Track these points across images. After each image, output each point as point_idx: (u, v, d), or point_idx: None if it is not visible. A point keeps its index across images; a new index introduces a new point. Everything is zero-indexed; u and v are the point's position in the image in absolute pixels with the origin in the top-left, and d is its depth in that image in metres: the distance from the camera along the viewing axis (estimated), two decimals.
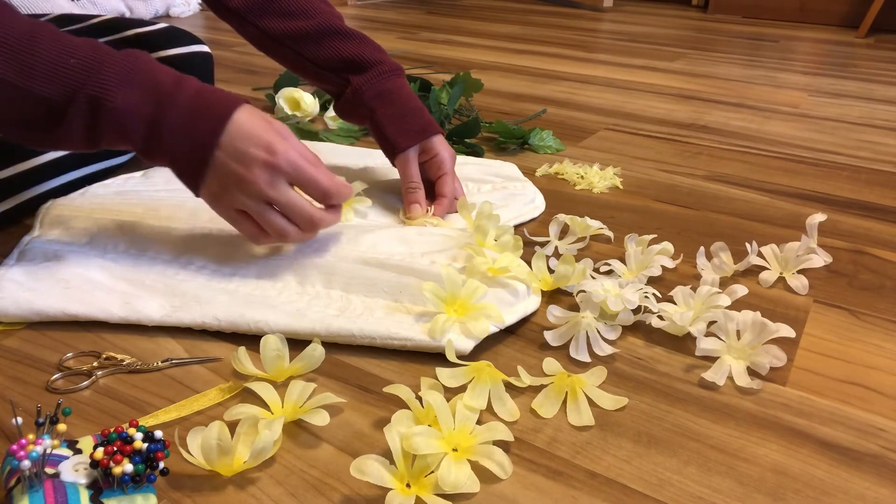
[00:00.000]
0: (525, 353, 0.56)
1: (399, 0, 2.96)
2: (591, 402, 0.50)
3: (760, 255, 0.69)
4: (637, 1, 3.15)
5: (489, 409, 0.49)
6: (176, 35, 0.89)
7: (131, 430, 0.39)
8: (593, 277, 0.63)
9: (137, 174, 0.83)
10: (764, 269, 0.69)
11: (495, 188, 0.85)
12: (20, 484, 0.36)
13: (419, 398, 0.47)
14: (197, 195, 0.58)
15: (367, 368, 0.53)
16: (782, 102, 1.40)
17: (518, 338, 0.58)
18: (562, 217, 0.73)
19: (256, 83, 1.41)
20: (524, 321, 0.60)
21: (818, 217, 0.69)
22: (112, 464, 0.37)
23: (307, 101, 1.13)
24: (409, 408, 0.47)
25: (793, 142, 1.13)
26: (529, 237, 0.74)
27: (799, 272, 0.68)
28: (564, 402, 0.50)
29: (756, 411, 0.50)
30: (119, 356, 0.52)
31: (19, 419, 0.39)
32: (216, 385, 0.50)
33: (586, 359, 0.55)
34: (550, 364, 0.53)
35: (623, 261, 0.68)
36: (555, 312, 0.58)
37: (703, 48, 2.02)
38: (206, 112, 0.55)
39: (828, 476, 0.44)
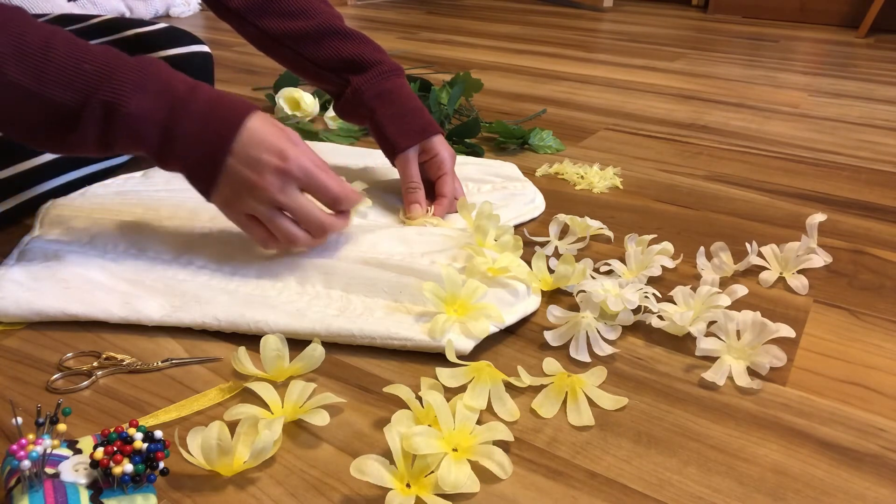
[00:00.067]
0: (525, 353, 0.56)
1: (399, 0, 2.96)
2: (591, 402, 0.50)
3: (760, 255, 0.69)
4: (637, 1, 3.15)
5: (489, 409, 0.49)
6: (176, 35, 0.89)
7: (131, 430, 0.39)
8: (593, 277, 0.63)
9: (137, 174, 0.83)
10: (764, 269, 0.69)
11: (495, 188, 0.85)
12: (20, 484, 0.36)
13: (419, 398, 0.47)
14: (208, 200, 0.59)
15: (367, 368, 0.53)
16: (782, 102, 1.40)
17: (518, 338, 0.58)
18: (562, 217, 0.73)
19: (256, 83, 1.41)
20: (524, 321, 0.60)
21: (818, 217, 0.69)
22: (112, 464, 0.37)
23: (307, 101, 1.13)
24: (409, 408, 0.47)
25: (793, 142, 1.13)
26: (529, 237, 0.74)
27: (799, 272, 0.68)
28: (564, 402, 0.50)
29: (756, 411, 0.50)
30: (119, 356, 0.52)
31: (19, 419, 0.39)
32: (216, 385, 0.50)
33: (586, 359, 0.55)
34: (550, 364, 0.53)
35: (623, 261, 0.68)
36: (555, 312, 0.58)
37: (703, 48, 2.02)
38: (218, 118, 0.56)
39: (828, 476, 0.44)
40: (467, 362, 0.51)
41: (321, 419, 0.45)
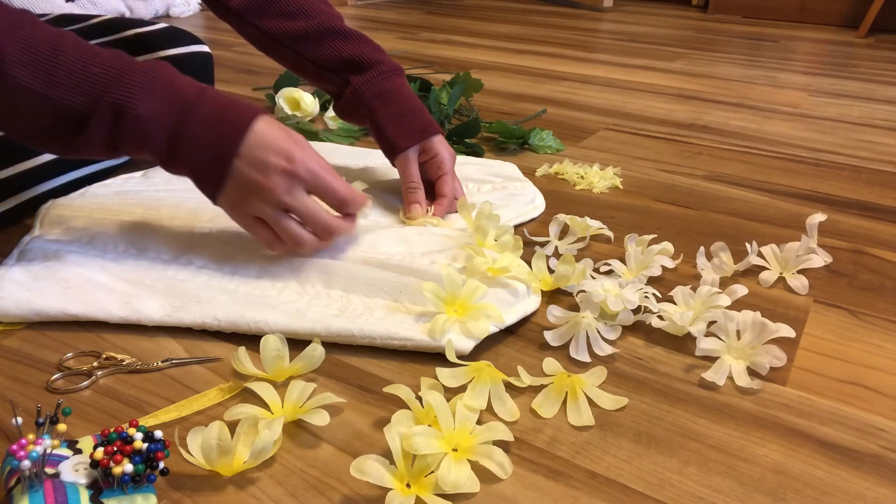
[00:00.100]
0: (525, 353, 0.56)
1: (399, 0, 2.96)
2: (591, 402, 0.50)
3: (760, 255, 0.69)
4: (637, 1, 3.15)
5: (489, 409, 0.49)
6: (176, 35, 0.89)
7: (131, 430, 0.39)
8: (593, 277, 0.63)
9: (137, 174, 0.83)
10: (764, 269, 0.69)
11: (495, 188, 0.85)
12: (20, 484, 0.36)
13: (419, 398, 0.47)
14: (215, 203, 0.59)
15: (367, 368, 0.53)
16: (782, 102, 1.40)
17: (518, 338, 0.58)
18: (562, 217, 0.73)
19: (256, 83, 1.41)
20: (524, 321, 0.60)
21: (818, 217, 0.69)
22: (112, 464, 0.37)
23: (307, 101, 1.13)
24: (409, 408, 0.47)
25: (793, 142, 1.13)
26: (529, 237, 0.74)
27: (799, 272, 0.68)
28: (564, 402, 0.50)
29: (756, 411, 0.50)
30: (119, 356, 0.52)
31: (19, 419, 0.39)
32: (216, 385, 0.50)
33: (586, 359, 0.55)
34: (550, 364, 0.53)
35: (623, 261, 0.68)
36: (555, 312, 0.58)
37: (703, 48, 2.02)
38: (226, 122, 0.56)
39: (828, 476, 0.44)
40: (467, 362, 0.51)
41: (321, 419, 0.45)
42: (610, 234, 0.75)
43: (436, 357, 0.54)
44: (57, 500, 0.36)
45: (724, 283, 0.65)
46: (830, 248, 0.74)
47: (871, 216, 0.85)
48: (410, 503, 0.39)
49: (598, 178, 0.91)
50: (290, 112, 1.13)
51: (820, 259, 0.70)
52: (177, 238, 0.67)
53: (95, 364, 0.52)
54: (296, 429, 0.47)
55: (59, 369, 0.51)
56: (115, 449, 0.38)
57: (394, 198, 0.80)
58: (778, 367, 0.54)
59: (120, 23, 0.88)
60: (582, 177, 0.92)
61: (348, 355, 0.54)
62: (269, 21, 0.76)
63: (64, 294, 0.57)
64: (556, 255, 0.69)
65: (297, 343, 0.54)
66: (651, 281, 0.66)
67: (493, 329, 0.56)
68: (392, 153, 0.76)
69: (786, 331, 0.55)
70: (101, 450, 0.37)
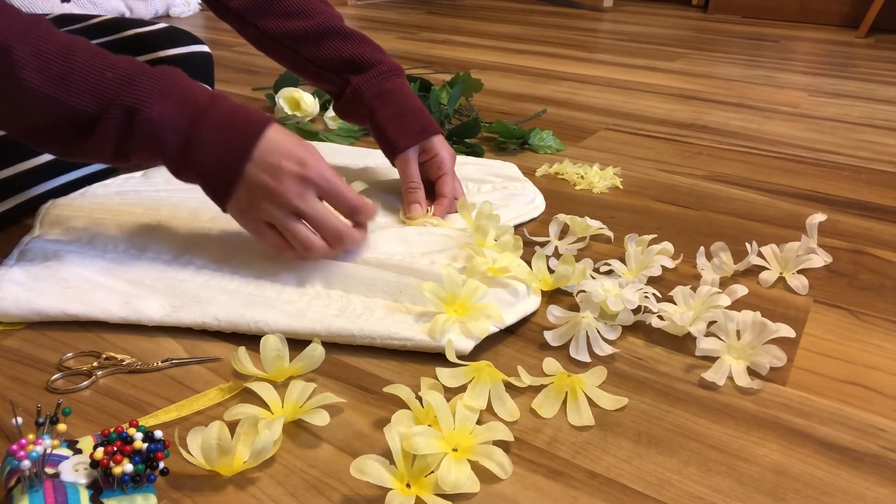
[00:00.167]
0: (525, 353, 0.56)
1: (399, 0, 2.96)
2: (591, 402, 0.50)
3: (760, 255, 0.69)
4: (637, 1, 3.15)
5: (489, 409, 0.49)
6: (176, 35, 0.89)
7: (131, 430, 0.39)
8: (593, 277, 0.63)
9: (137, 174, 0.83)
10: (764, 269, 0.69)
11: (495, 188, 0.85)
12: (20, 484, 0.36)
13: (419, 398, 0.47)
14: (224, 210, 0.59)
15: (367, 368, 0.53)
16: (782, 102, 1.40)
17: (518, 338, 0.58)
18: (562, 217, 0.73)
19: (256, 83, 1.41)
20: (524, 321, 0.60)
21: (818, 217, 0.69)
22: (112, 464, 0.37)
23: (307, 101, 1.13)
24: (409, 408, 0.47)
25: (793, 142, 1.13)
26: (529, 237, 0.74)
27: (799, 272, 0.68)
28: (564, 402, 0.50)
29: (756, 411, 0.50)
30: (119, 356, 0.52)
31: (19, 419, 0.39)
32: (216, 385, 0.50)
33: (586, 359, 0.55)
34: (550, 364, 0.53)
35: (623, 261, 0.68)
36: (555, 312, 0.58)
37: (703, 48, 2.02)
38: (238, 127, 0.56)
39: (828, 476, 0.44)
40: (467, 362, 0.51)
41: (321, 419, 0.45)
42: (610, 234, 0.75)
43: (436, 357, 0.54)
44: (57, 500, 0.36)
45: (724, 283, 0.65)
46: (830, 248, 0.74)
47: (871, 216, 0.85)
48: (410, 503, 0.39)
49: (598, 178, 0.91)
50: (290, 112, 1.13)
51: (820, 259, 0.70)
52: (177, 238, 0.67)
53: (95, 364, 0.52)
54: (296, 429, 0.47)
55: (59, 369, 0.51)
56: (115, 449, 0.38)
57: (394, 198, 0.80)
58: (778, 367, 0.54)
59: (120, 23, 0.88)
60: (582, 177, 0.92)
61: (348, 355, 0.54)
62: (268, 21, 0.76)
63: (64, 294, 0.57)
64: (556, 255, 0.69)
65: (297, 343, 0.54)
66: (651, 281, 0.66)
67: (493, 329, 0.56)
68: (392, 153, 0.76)
69: (786, 331, 0.55)
70: (101, 450, 0.37)
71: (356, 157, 0.93)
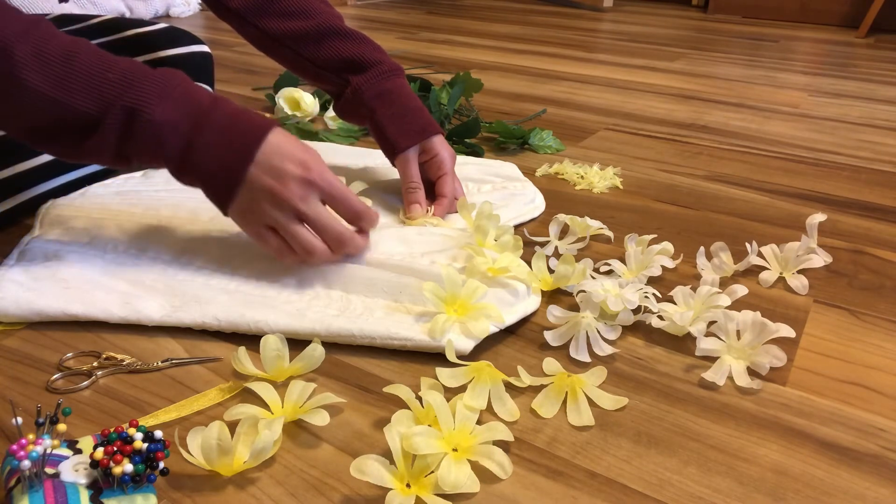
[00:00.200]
0: (525, 353, 0.56)
1: (399, 0, 2.96)
2: (591, 402, 0.50)
3: (760, 255, 0.69)
4: (637, 1, 3.15)
5: (489, 409, 0.49)
6: (176, 35, 0.89)
7: (131, 430, 0.39)
8: (593, 277, 0.63)
9: (137, 174, 0.83)
10: (764, 269, 0.69)
11: (495, 188, 0.85)
12: (20, 484, 0.36)
13: (419, 398, 0.47)
14: (225, 213, 0.59)
15: (367, 368, 0.53)
16: (782, 102, 1.40)
17: (518, 338, 0.58)
18: (562, 217, 0.73)
19: (256, 83, 1.41)
20: (524, 321, 0.60)
21: (818, 217, 0.69)
22: (112, 464, 0.37)
23: (307, 101, 1.13)
24: (409, 408, 0.47)
25: (793, 142, 1.13)
26: (529, 237, 0.74)
27: (799, 272, 0.68)
28: (564, 402, 0.50)
29: (756, 411, 0.50)
30: (119, 356, 0.52)
31: (19, 419, 0.39)
32: (216, 385, 0.50)
33: (586, 359, 0.55)
34: (550, 364, 0.53)
35: (623, 261, 0.68)
36: (555, 312, 0.58)
37: (703, 48, 2.02)
38: (241, 130, 0.56)
39: (828, 476, 0.44)
40: (467, 362, 0.51)
41: (321, 419, 0.45)
42: (610, 234, 0.75)
43: (436, 357, 0.54)
44: (57, 500, 0.36)
45: (724, 283, 0.65)
46: (830, 248, 0.74)
47: (871, 216, 0.85)
48: (410, 503, 0.39)
49: (598, 178, 0.91)
50: (290, 112, 1.13)
51: (820, 259, 0.70)
52: (177, 238, 0.67)
53: (95, 364, 0.52)
54: (296, 429, 0.47)
55: (59, 369, 0.51)
56: (115, 449, 0.38)
57: (394, 198, 0.80)
58: (778, 367, 0.54)
59: (120, 23, 0.88)
60: (582, 177, 0.92)
61: (348, 355, 0.54)
62: (269, 21, 0.76)
63: (64, 294, 0.57)
64: (556, 255, 0.69)
65: (297, 343, 0.54)
66: (651, 281, 0.66)
67: (493, 329, 0.56)
68: (392, 153, 0.76)
69: (786, 331, 0.55)
70: (101, 450, 0.37)
71: (356, 157, 0.93)
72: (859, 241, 0.78)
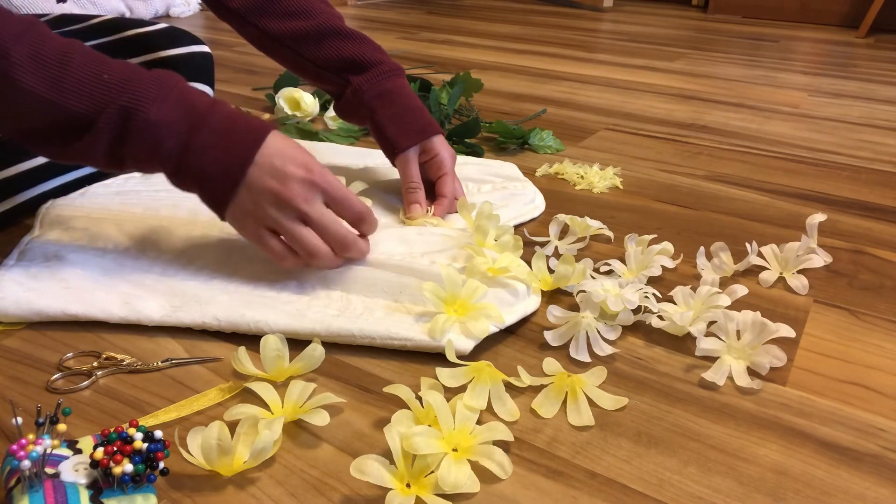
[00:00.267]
0: (525, 353, 0.56)
1: (399, 0, 2.96)
2: (591, 402, 0.50)
3: (760, 255, 0.69)
4: (637, 1, 3.15)
5: (489, 409, 0.49)
6: (176, 35, 0.89)
7: (131, 430, 0.39)
8: (593, 277, 0.63)
9: (137, 174, 0.83)
10: (764, 269, 0.69)
11: (495, 188, 0.85)
12: (20, 484, 0.36)
13: (419, 398, 0.47)
14: (222, 217, 0.58)
15: (367, 368, 0.53)
16: (782, 102, 1.40)
17: (518, 338, 0.58)
18: (562, 217, 0.73)
19: (256, 83, 1.41)
20: (524, 321, 0.60)
21: (818, 217, 0.69)
22: (112, 464, 0.37)
23: (307, 101, 1.13)
24: (409, 408, 0.47)
25: (793, 142, 1.13)
26: (529, 237, 0.74)
27: (799, 272, 0.68)
28: (564, 402, 0.50)
29: (756, 411, 0.50)
30: (119, 356, 0.52)
31: (19, 419, 0.39)
32: (216, 385, 0.50)
33: (586, 359, 0.55)
34: (550, 364, 0.53)
35: (623, 261, 0.68)
36: (555, 312, 0.58)
37: (703, 48, 2.02)
38: (240, 132, 0.56)
39: (828, 476, 0.44)
40: (467, 362, 0.51)
41: (321, 419, 0.45)
42: (610, 234, 0.75)
43: (436, 357, 0.54)
44: (57, 500, 0.36)
45: (724, 283, 0.65)
46: (830, 248, 0.74)
47: (871, 216, 0.85)
48: (410, 503, 0.39)
49: (598, 178, 0.91)
50: (290, 112, 1.13)
51: (820, 259, 0.70)
52: (177, 238, 0.67)
53: (95, 364, 0.52)
54: (296, 429, 0.47)
55: (59, 369, 0.51)
56: (115, 449, 0.38)
57: (394, 198, 0.80)
58: (778, 367, 0.54)
59: (120, 23, 0.88)
60: (582, 177, 0.92)
61: (348, 355, 0.54)
62: (269, 21, 0.76)
63: (64, 294, 0.57)
64: (556, 255, 0.69)
65: (297, 343, 0.54)
66: (651, 281, 0.66)
67: (493, 329, 0.56)
68: (392, 153, 0.76)
69: (786, 331, 0.55)
70: (101, 450, 0.37)
71: (356, 157, 0.93)
72: (859, 241, 0.78)
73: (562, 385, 0.50)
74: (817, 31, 2.48)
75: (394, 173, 0.81)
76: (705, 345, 0.55)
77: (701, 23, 2.59)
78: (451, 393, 0.49)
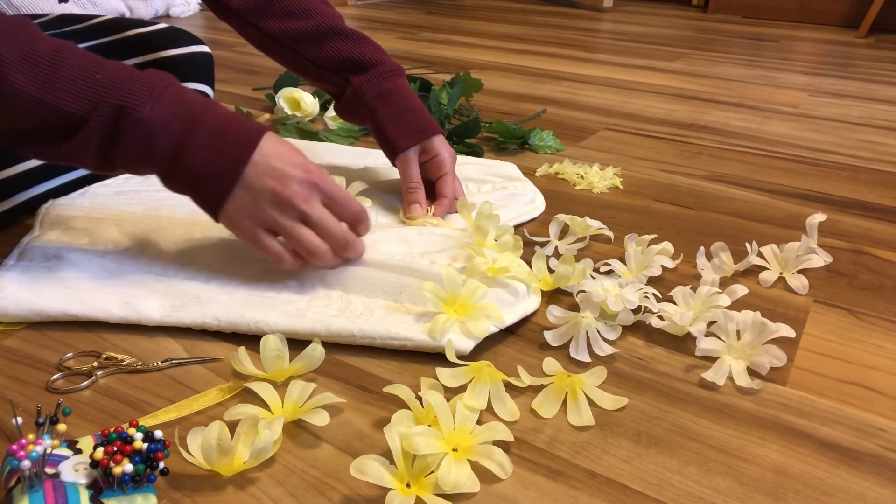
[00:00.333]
0: (525, 353, 0.56)
1: (399, 0, 2.96)
2: (591, 402, 0.50)
3: (760, 255, 0.69)
4: (637, 1, 3.15)
5: (489, 409, 0.49)
6: (176, 35, 0.89)
7: (131, 430, 0.39)
8: (593, 277, 0.63)
9: None
10: (764, 269, 0.69)
11: (495, 188, 0.85)
12: (20, 484, 0.36)
13: (419, 398, 0.47)
14: (216, 217, 0.57)
15: (367, 368, 0.53)
16: (782, 102, 1.40)
17: (518, 338, 0.58)
18: (562, 217, 0.73)
19: (256, 83, 1.41)
20: (524, 321, 0.60)
21: (818, 217, 0.69)
22: (112, 464, 0.37)
23: (307, 101, 1.13)
24: (409, 408, 0.47)
25: (793, 142, 1.13)
26: (529, 237, 0.74)
27: (799, 272, 0.68)
28: (564, 402, 0.50)
29: (756, 411, 0.50)
30: (119, 356, 0.52)
31: (19, 419, 0.39)
32: (216, 385, 0.50)
33: (586, 359, 0.55)
34: (550, 364, 0.53)
35: (623, 261, 0.68)
36: (555, 312, 0.58)
37: (703, 48, 2.02)
38: (235, 133, 0.55)
39: (828, 476, 0.44)
40: (467, 362, 0.51)
41: (321, 419, 0.45)
42: (610, 234, 0.75)
43: (436, 357, 0.54)
44: (57, 500, 0.36)
45: (724, 283, 0.65)
46: (830, 248, 0.74)
47: (871, 216, 0.85)
48: (410, 503, 0.39)
49: (598, 178, 0.91)
50: (290, 112, 1.13)
51: (820, 259, 0.70)
52: (177, 238, 0.67)
53: (95, 364, 0.52)
54: (296, 429, 0.47)
55: (59, 369, 0.51)
56: (115, 449, 0.38)
57: (394, 198, 0.80)
58: (778, 367, 0.54)
59: (120, 23, 0.88)
60: (582, 177, 0.92)
61: (348, 355, 0.54)
62: (269, 21, 0.76)
63: (64, 294, 0.57)
64: (556, 255, 0.69)
65: (297, 343, 0.54)
66: (651, 281, 0.66)
67: (493, 329, 0.56)
68: (392, 153, 0.76)
69: (786, 331, 0.55)
70: (101, 450, 0.37)
71: (356, 157, 0.93)
72: (859, 241, 0.78)
73: (562, 385, 0.50)
74: (817, 31, 2.48)
75: (394, 173, 0.81)
76: (705, 345, 0.55)
77: (701, 23, 2.59)
78: (451, 393, 0.49)
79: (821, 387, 0.53)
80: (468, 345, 0.54)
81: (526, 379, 0.51)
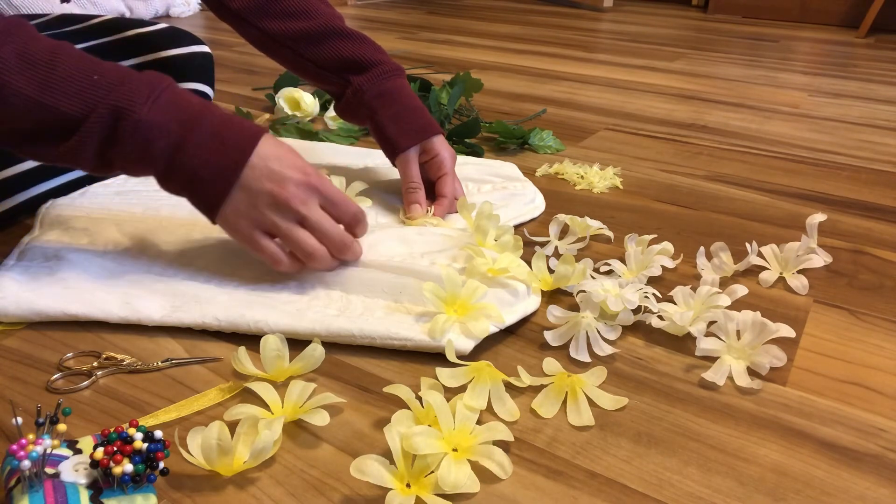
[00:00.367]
0: (525, 353, 0.56)
1: (399, 0, 2.96)
2: (591, 402, 0.50)
3: (760, 255, 0.69)
4: (637, 1, 3.15)
5: (489, 409, 0.49)
6: (176, 35, 0.89)
7: (131, 430, 0.39)
8: (593, 277, 0.63)
9: None
10: (764, 269, 0.69)
11: (495, 188, 0.85)
12: (20, 484, 0.36)
13: (419, 398, 0.47)
14: (213, 219, 0.57)
15: (367, 368, 0.53)
16: (782, 102, 1.40)
17: (518, 338, 0.58)
18: (562, 217, 0.73)
19: (256, 83, 1.41)
20: (524, 321, 0.60)
21: (818, 217, 0.69)
22: (112, 464, 0.37)
23: (307, 101, 1.13)
24: (409, 408, 0.47)
25: (793, 142, 1.13)
26: (529, 237, 0.74)
27: (799, 272, 0.68)
28: (564, 402, 0.50)
29: (756, 411, 0.50)
30: (119, 356, 0.52)
31: (19, 419, 0.39)
32: (216, 385, 0.50)
33: (586, 359, 0.55)
34: (550, 364, 0.53)
35: (623, 261, 0.68)
36: (555, 312, 0.58)
37: (703, 48, 2.02)
38: (233, 134, 0.55)
39: (828, 476, 0.44)
40: (467, 362, 0.51)
41: (321, 419, 0.45)
42: (610, 234, 0.75)
43: (436, 357, 0.54)
44: (57, 500, 0.36)
45: (724, 283, 0.65)
46: (830, 248, 0.74)
47: (871, 216, 0.85)
48: (410, 503, 0.39)
49: (598, 178, 0.91)
50: (290, 112, 1.13)
51: (820, 259, 0.70)
52: (177, 238, 0.67)
53: (95, 364, 0.52)
54: (296, 429, 0.47)
55: (59, 369, 0.51)
56: (115, 449, 0.38)
57: (394, 198, 0.80)
58: (778, 367, 0.54)
59: (120, 23, 0.88)
60: (582, 177, 0.92)
61: (348, 355, 0.54)
62: (269, 22, 0.76)
63: (64, 294, 0.57)
64: (556, 255, 0.69)
65: (297, 343, 0.54)
66: (651, 281, 0.66)
67: (493, 329, 0.56)
68: (393, 153, 0.76)
69: (786, 331, 0.55)
70: (101, 450, 0.37)
71: (356, 157, 0.93)
72: (859, 241, 0.78)
73: (562, 385, 0.50)
74: (817, 31, 2.48)
75: (394, 173, 0.81)
76: (705, 345, 0.55)
77: (701, 23, 2.59)
78: (451, 393, 0.49)
79: (821, 387, 0.53)
80: (468, 345, 0.54)
81: (526, 379, 0.51)
